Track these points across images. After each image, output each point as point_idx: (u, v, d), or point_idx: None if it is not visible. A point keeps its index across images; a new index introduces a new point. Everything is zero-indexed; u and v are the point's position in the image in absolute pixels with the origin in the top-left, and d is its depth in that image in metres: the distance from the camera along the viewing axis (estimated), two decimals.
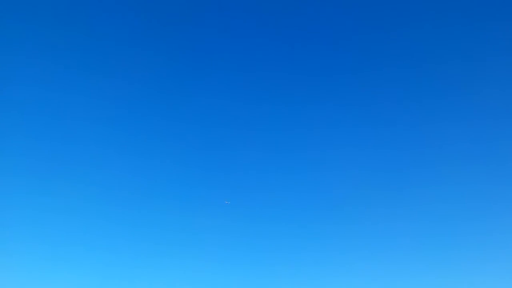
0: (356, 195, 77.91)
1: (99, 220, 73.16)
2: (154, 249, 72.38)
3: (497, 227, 70.33)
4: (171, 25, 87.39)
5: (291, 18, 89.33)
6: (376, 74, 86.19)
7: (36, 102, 78.43)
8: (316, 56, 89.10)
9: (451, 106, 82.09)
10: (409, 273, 68.11)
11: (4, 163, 73.06)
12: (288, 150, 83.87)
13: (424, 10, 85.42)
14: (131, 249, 71.87)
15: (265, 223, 76.20)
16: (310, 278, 68.75)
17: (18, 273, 64.49)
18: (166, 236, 73.92)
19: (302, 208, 77.84)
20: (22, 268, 65.16)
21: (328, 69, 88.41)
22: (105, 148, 79.24)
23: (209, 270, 70.52)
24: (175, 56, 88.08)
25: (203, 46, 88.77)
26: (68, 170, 75.59)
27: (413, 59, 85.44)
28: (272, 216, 77.28)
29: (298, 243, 73.76)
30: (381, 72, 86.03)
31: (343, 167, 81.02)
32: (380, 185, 78.68)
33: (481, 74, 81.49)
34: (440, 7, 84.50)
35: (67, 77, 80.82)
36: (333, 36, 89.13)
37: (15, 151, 74.19)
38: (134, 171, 79.43)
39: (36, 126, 77.56)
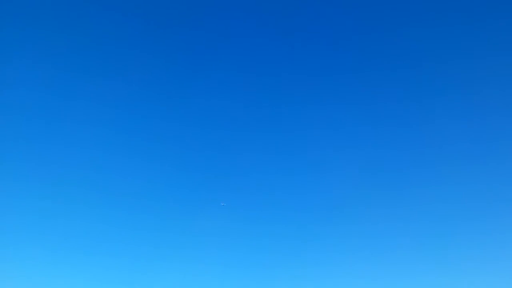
0: (356, 195, 77.94)
1: (97, 222, 73.27)
2: (154, 249, 72.47)
3: (497, 227, 70.35)
4: (170, 26, 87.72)
5: (291, 18, 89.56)
6: (375, 75, 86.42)
7: (34, 105, 78.59)
8: (314, 57, 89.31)
9: (451, 106, 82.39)
10: (409, 272, 68.12)
11: (3, 165, 73.40)
12: (287, 152, 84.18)
13: (424, 10, 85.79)
14: (131, 249, 72.06)
15: (264, 224, 76.24)
16: (310, 278, 68.72)
17: (19, 274, 64.57)
18: (165, 237, 73.93)
19: (302, 209, 77.92)
20: (22, 270, 65.21)
21: (327, 69, 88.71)
22: (103, 151, 79.60)
23: (209, 271, 70.39)
24: (174, 56, 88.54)
25: (202, 48, 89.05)
26: (66, 173, 75.71)
27: (413, 59, 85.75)
28: (271, 217, 77.38)
29: (298, 244, 73.78)
30: (380, 72, 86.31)
31: (342, 168, 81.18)
32: (380, 186, 78.80)
33: (481, 74, 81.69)
34: (440, 7, 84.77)
35: (64, 79, 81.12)
36: (331, 36, 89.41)
37: (14, 154, 74.52)
38: (133, 173, 79.70)
39: (34, 128, 78.00)
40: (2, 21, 78.70)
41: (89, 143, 78.71)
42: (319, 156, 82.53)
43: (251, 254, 72.72)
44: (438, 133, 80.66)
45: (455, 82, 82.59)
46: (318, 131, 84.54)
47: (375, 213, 75.42)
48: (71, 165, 76.43)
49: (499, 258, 66.67)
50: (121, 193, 76.81)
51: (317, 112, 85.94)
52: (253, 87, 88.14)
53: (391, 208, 75.90)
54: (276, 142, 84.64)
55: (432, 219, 73.26)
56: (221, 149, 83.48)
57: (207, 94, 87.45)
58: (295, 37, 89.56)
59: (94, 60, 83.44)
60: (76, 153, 77.35)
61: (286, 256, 72.18)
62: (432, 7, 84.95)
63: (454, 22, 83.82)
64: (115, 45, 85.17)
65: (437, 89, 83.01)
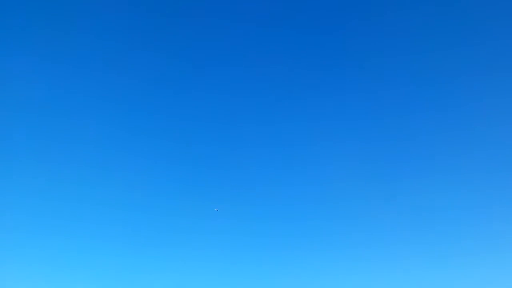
0: (354, 191, 78.24)
1: (97, 220, 73.40)
2: (153, 248, 72.68)
3: (497, 226, 70.52)
4: (169, 22, 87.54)
5: (289, 13, 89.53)
6: (372, 69, 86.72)
7: (34, 103, 78.60)
8: (312, 52, 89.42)
9: (451, 106, 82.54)
10: (408, 268, 68.20)
11: (4, 165, 73.34)
12: (286, 145, 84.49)
13: (424, 9, 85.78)
14: (131, 249, 72.28)
15: (263, 222, 76.66)
16: (310, 277, 68.85)
17: (18, 275, 64.60)
18: (165, 237, 74.19)
19: (300, 206, 78.39)
20: (23, 270, 65.24)
21: (324, 63, 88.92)
22: (103, 150, 79.78)
23: (209, 270, 70.65)
24: (173, 52, 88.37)
25: (201, 44, 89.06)
26: (65, 171, 75.91)
27: (413, 54, 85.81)
28: (271, 215, 77.77)
29: (297, 241, 74.17)
30: (377, 66, 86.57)
31: (340, 163, 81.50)
32: (379, 181, 79.18)
33: (481, 74, 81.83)
34: (440, 7, 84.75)
35: (64, 76, 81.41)
36: (329, 32, 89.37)
37: (14, 153, 74.38)
38: (133, 171, 79.84)
39: (35, 128, 77.92)
40: (2, 21, 78.71)
41: (88, 141, 79.08)
42: (317, 151, 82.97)
43: (250, 252, 73.10)
44: (438, 131, 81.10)
45: (455, 78, 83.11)
46: (315, 125, 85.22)
47: (374, 209, 75.90)
48: (70, 162, 76.88)
49: (500, 258, 66.92)
50: (121, 192, 77.23)
51: (314, 106, 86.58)
52: (248, 82, 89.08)
53: (390, 204, 76.42)
54: (276, 138, 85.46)
55: (432, 214, 73.84)
56: (218, 144, 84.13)
57: (207, 92, 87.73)
58: (292, 31, 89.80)
59: (94, 57, 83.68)
60: (76, 151, 77.75)
61: (284, 253, 72.70)
62: (432, 7, 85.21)
63: (455, 21, 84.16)
64: (114, 43, 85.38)
65: (437, 89, 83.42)
